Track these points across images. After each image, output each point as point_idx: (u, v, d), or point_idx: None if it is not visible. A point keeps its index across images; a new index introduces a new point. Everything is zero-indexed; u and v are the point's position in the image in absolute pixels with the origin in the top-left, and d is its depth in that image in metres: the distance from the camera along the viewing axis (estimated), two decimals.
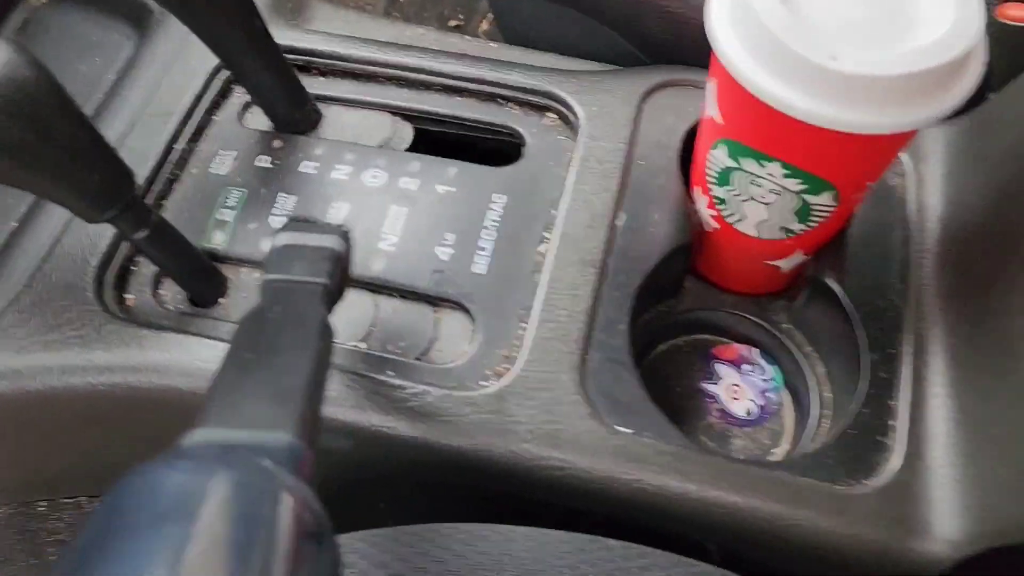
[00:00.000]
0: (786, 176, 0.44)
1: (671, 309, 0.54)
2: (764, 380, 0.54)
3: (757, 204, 0.47)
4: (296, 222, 0.41)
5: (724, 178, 0.47)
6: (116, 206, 0.41)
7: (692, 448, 0.43)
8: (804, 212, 0.46)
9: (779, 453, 0.51)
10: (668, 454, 0.43)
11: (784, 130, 0.41)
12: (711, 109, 0.46)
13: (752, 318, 0.54)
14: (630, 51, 0.60)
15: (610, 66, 0.60)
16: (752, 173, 0.45)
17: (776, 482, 0.42)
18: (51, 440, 0.50)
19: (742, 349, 0.55)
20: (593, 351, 0.45)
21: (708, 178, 0.48)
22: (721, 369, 0.54)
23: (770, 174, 0.44)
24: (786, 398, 0.53)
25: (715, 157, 0.47)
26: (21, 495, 0.58)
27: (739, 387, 0.54)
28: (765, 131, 0.42)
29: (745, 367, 0.54)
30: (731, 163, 0.45)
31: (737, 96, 0.42)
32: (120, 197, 0.41)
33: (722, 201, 0.48)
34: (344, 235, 0.40)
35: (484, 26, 1.16)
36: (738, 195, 0.47)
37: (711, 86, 0.45)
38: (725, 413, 0.53)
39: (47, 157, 0.37)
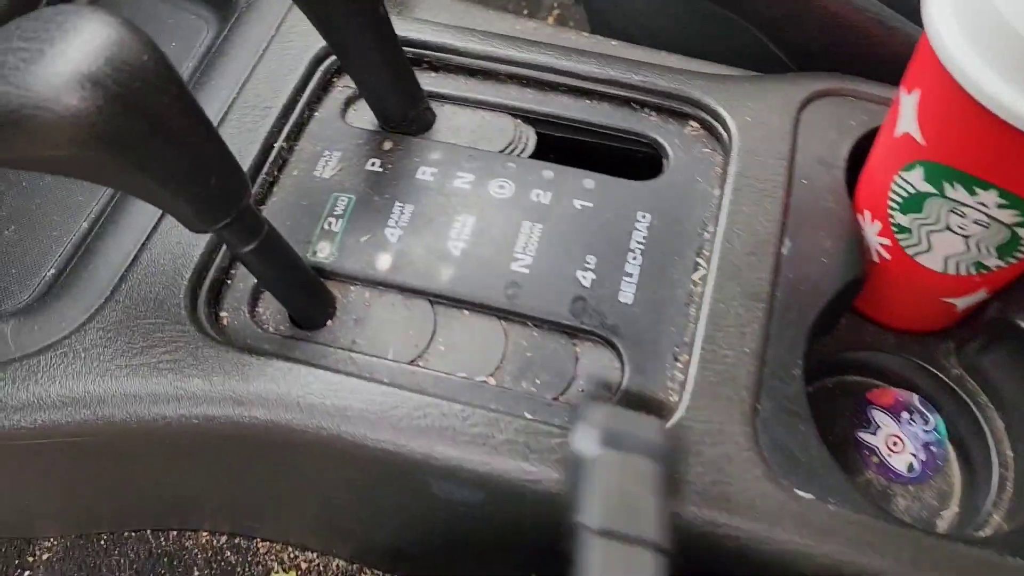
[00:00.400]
0: (1002, 206, 0.38)
1: (822, 347, 0.47)
2: (926, 431, 0.48)
3: (952, 235, 0.41)
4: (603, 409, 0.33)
5: (913, 205, 0.41)
6: (229, 215, 0.35)
7: (885, 518, 0.37)
8: (1009, 247, 0.40)
9: (948, 517, 0.45)
10: (859, 525, 0.37)
11: (1017, 152, 0.35)
12: (906, 125, 0.40)
13: (915, 360, 0.48)
14: (762, 52, 0.54)
15: (740, 70, 0.54)
16: (956, 201, 0.39)
17: (987, 565, 0.36)
18: (126, 471, 0.44)
19: (900, 394, 0.49)
20: (765, 399, 0.39)
21: (890, 204, 0.42)
22: (878, 416, 0.48)
23: (981, 203, 0.38)
24: (952, 452, 0.47)
25: (905, 181, 0.41)
26: (80, 527, 0.52)
27: (899, 438, 0.47)
28: (989, 153, 0.36)
29: (904, 415, 0.48)
30: (928, 188, 0.39)
31: (956, 110, 0.36)
32: (234, 204, 0.35)
33: (903, 230, 0.42)
34: (665, 429, 0.32)
35: (550, 21, 1.10)
36: (928, 224, 0.41)
37: (910, 99, 0.39)
38: (884, 467, 0.47)
39: (161, 156, 0.31)
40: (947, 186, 0.39)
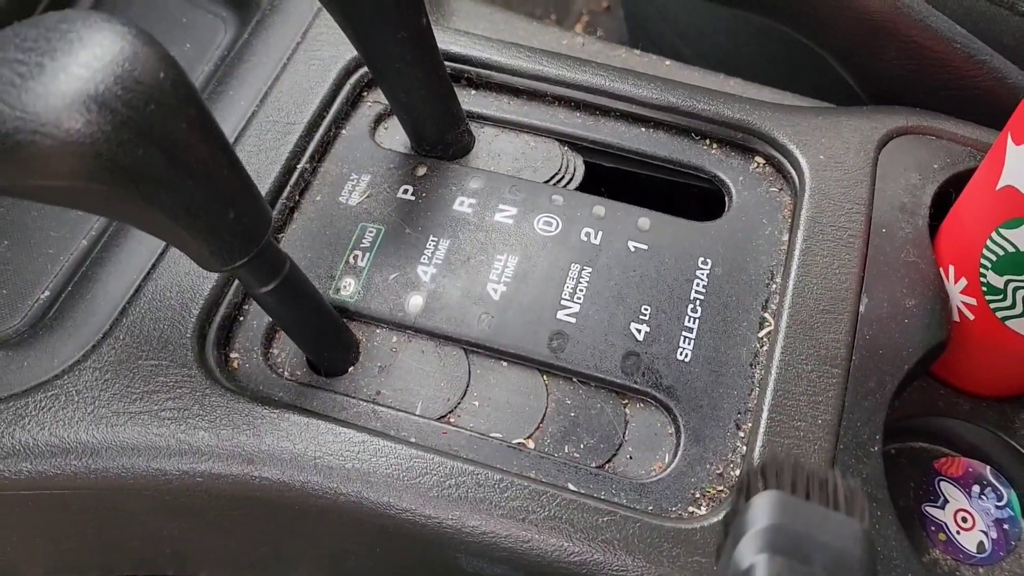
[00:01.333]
0: None
1: (890, 410, 0.43)
2: (999, 506, 0.43)
3: None
4: (777, 485, 0.23)
5: (1011, 266, 0.37)
6: (248, 253, 0.31)
7: None
8: None
9: None
10: None
11: None
12: (1011, 178, 0.35)
13: (989, 428, 0.43)
14: (829, 79, 0.49)
15: (807, 99, 0.50)
16: None
17: None
18: (119, 525, 0.40)
19: (971, 465, 0.44)
20: None
21: (983, 262, 0.38)
22: (947, 489, 0.44)
23: None
24: None
25: (1004, 238, 0.36)
26: (67, 573, 0.47)
27: (969, 514, 0.43)
28: None
29: (975, 488, 0.44)
30: None
31: None
32: (254, 241, 0.31)
33: (995, 291, 0.38)
34: (868, 538, 0.22)
35: (578, 28, 1.05)
36: None
37: (1019, 149, 0.34)
38: (952, 545, 0.42)
39: (177, 188, 0.27)
40: None
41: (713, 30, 0.60)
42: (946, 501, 0.43)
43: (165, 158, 0.27)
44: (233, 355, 0.38)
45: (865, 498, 0.24)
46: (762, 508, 0.22)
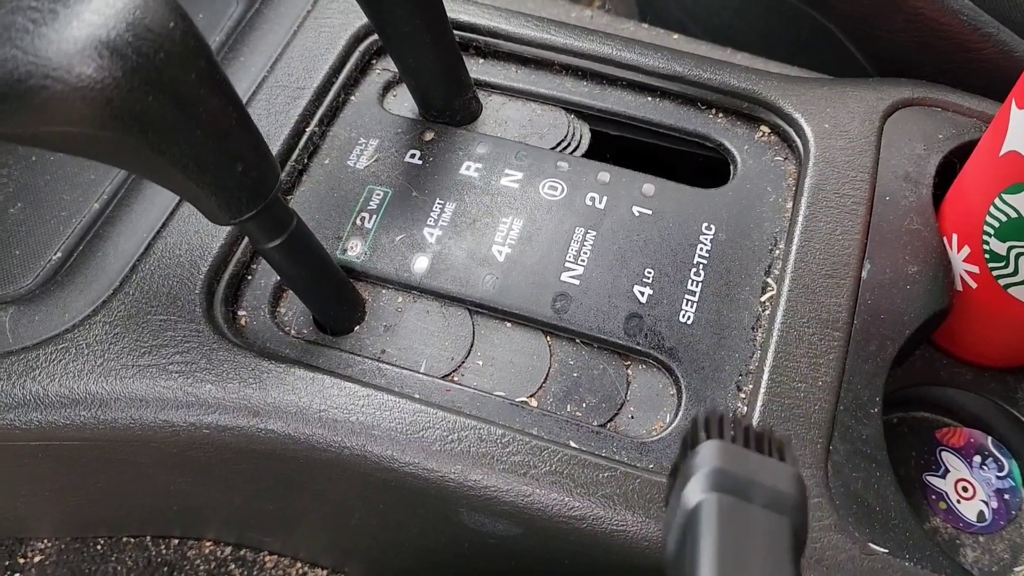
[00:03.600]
0: None
1: (892, 379, 0.43)
2: (999, 476, 0.43)
3: None
4: (719, 436, 0.25)
5: (1014, 231, 0.37)
6: (256, 206, 0.31)
7: None
8: None
9: (1022, 573, 0.41)
10: None
11: None
12: (1015, 143, 0.35)
13: (991, 398, 0.43)
14: (835, 54, 0.49)
15: (813, 73, 0.50)
16: None
17: None
18: (126, 477, 0.40)
19: (972, 435, 0.44)
20: (839, 440, 0.35)
21: (986, 228, 0.38)
22: (948, 459, 0.44)
23: None
24: None
25: (1007, 204, 0.36)
26: (75, 530, 0.48)
27: (969, 483, 0.43)
28: None
29: (976, 458, 0.44)
30: None
31: None
32: (262, 195, 0.31)
33: (998, 258, 0.38)
34: (801, 481, 0.24)
35: (595, 6, 1.05)
36: None
37: (1022, 114, 0.35)
38: (952, 514, 0.43)
39: (186, 138, 0.28)
40: None
41: (721, 7, 0.60)
42: (947, 471, 0.44)
43: (174, 107, 0.27)
44: (241, 313, 0.39)
45: (794, 448, 0.28)
46: (706, 454, 0.24)
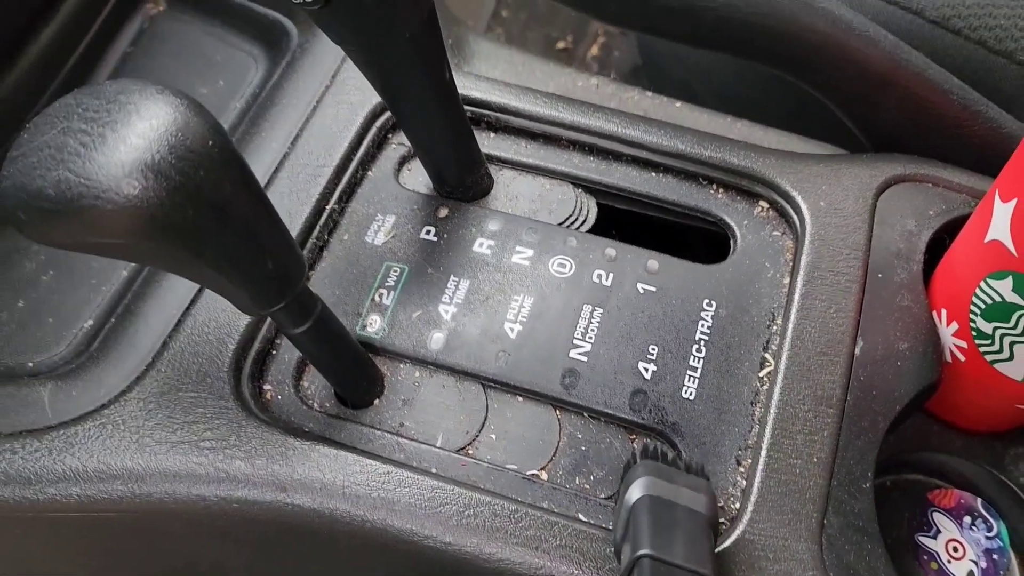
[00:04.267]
0: None
1: (886, 445, 0.45)
2: (988, 537, 0.45)
3: None
4: (651, 458, 0.36)
5: (998, 313, 0.39)
6: (285, 298, 0.34)
7: None
8: None
9: None
10: None
11: None
12: (998, 232, 0.37)
13: (982, 465, 0.46)
14: (835, 119, 0.51)
15: (812, 141, 0.52)
16: None
17: None
18: (159, 545, 0.43)
19: (963, 496, 0.46)
20: (833, 514, 0.37)
21: (972, 308, 0.40)
22: (939, 520, 0.46)
23: None
24: (1015, 562, 0.45)
25: (991, 288, 0.38)
26: None
27: (960, 543, 0.45)
28: None
29: (966, 519, 0.46)
30: (1017, 300, 0.37)
31: None
32: (290, 288, 0.34)
33: (984, 336, 0.40)
34: (710, 488, 0.35)
35: (594, 51, 1.08)
36: (1013, 335, 0.39)
37: (1005, 208, 0.37)
38: (943, 574, 0.45)
39: (221, 244, 0.30)
40: None
41: (722, 70, 0.62)
42: (938, 531, 0.46)
43: (212, 217, 0.29)
44: (267, 387, 0.41)
45: (707, 471, 0.37)
46: (642, 469, 0.34)
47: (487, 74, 0.52)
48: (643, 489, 0.33)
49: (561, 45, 1.08)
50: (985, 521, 0.46)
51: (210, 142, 0.29)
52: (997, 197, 0.38)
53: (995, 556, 0.45)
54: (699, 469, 0.35)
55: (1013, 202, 0.36)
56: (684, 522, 0.32)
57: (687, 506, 0.33)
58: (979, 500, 0.46)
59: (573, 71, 0.54)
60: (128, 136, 0.28)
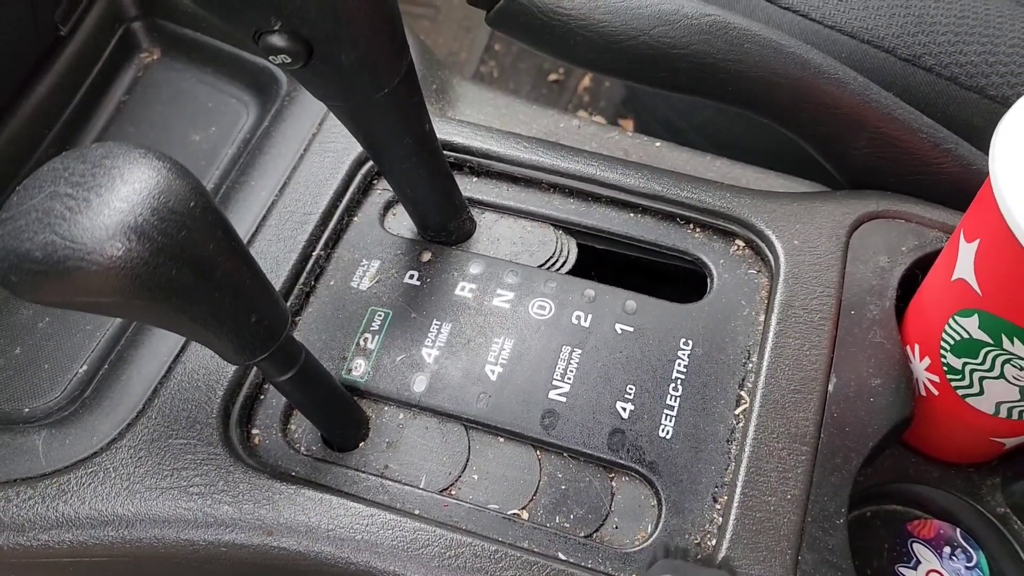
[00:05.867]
0: None
1: (864, 477, 0.46)
2: (968, 567, 0.46)
3: (1007, 384, 0.39)
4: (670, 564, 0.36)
5: (967, 350, 0.40)
6: (268, 349, 0.35)
7: None
8: None
9: None
10: None
11: None
12: (963, 272, 0.38)
13: (959, 496, 0.46)
14: (807, 153, 0.53)
15: (788, 178, 0.53)
16: (1015, 355, 0.38)
17: None
18: None
19: (942, 527, 0.47)
20: (807, 550, 0.38)
21: (942, 344, 0.41)
22: (919, 550, 0.47)
23: None
24: None
25: (959, 325, 0.39)
26: None
27: (940, 574, 0.46)
28: None
29: (946, 549, 0.47)
30: (984, 338, 0.38)
31: (1018, 269, 0.35)
32: (274, 339, 0.35)
33: (955, 371, 0.41)
34: None
35: (586, 82, 1.09)
36: (981, 370, 0.40)
37: (969, 248, 0.38)
38: None
39: (205, 300, 0.31)
40: (1005, 339, 0.37)
41: (704, 105, 0.63)
42: (918, 562, 0.46)
43: (195, 275, 0.30)
44: (255, 432, 0.42)
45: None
46: (661, 567, 0.35)
47: (471, 118, 0.53)
48: None
49: (553, 77, 1.10)
50: (964, 551, 0.46)
51: (192, 203, 0.30)
52: (962, 237, 0.39)
53: None
54: (723, 562, 0.36)
55: (976, 243, 0.37)
56: None
57: None
58: (958, 530, 0.47)
59: (556, 112, 0.56)
60: (112, 200, 0.29)
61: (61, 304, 0.30)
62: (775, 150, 0.59)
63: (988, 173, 0.35)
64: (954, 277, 0.39)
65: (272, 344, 0.35)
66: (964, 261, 0.38)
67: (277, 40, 0.34)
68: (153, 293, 0.30)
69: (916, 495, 0.47)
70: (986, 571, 0.46)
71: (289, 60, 0.35)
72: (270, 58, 0.35)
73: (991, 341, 0.38)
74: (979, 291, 0.37)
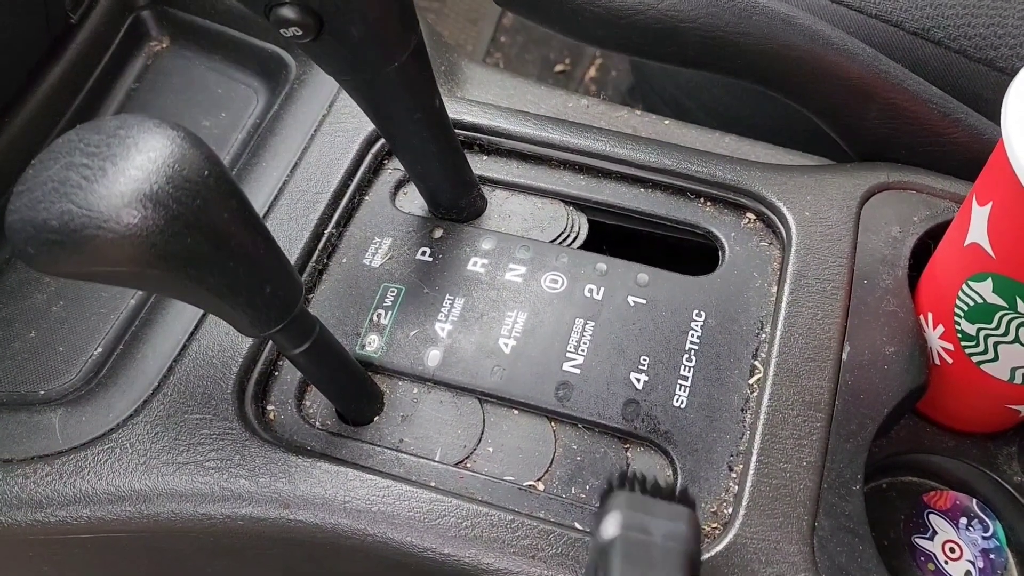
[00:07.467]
0: None
1: (878, 448, 0.46)
2: (985, 537, 0.46)
3: (1022, 349, 0.39)
4: (627, 488, 0.32)
5: (981, 315, 0.40)
6: (283, 321, 0.35)
7: None
8: None
9: None
10: None
11: None
12: (976, 236, 0.38)
13: (976, 465, 0.46)
14: (821, 130, 0.53)
15: (798, 154, 0.53)
16: None
17: None
18: (168, 565, 0.44)
19: (958, 498, 0.47)
20: (823, 517, 0.38)
21: (956, 311, 0.41)
22: (935, 521, 0.46)
23: None
24: (1012, 561, 0.46)
25: (972, 290, 0.39)
26: None
27: (956, 544, 0.46)
28: None
29: (962, 520, 0.46)
30: (998, 301, 0.38)
31: None
32: (288, 311, 0.35)
33: (969, 337, 0.41)
34: (693, 517, 0.31)
35: (592, 72, 1.09)
36: (996, 335, 0.40)
37: (982, 211, 0.38)
38: (941, 574, 0.45)
39: (221, 269, 0.31)
40: (1019, 301, 0.37)
41: (712, 84, 0.63)
42: (935, 533, 0.46)
43: (210, 244, 0.30)
44: (270, 407, 0.42)
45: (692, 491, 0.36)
46: (615, 502, 0.30)
47: (480, 98, 0.53)
48: (616, 527, 0.30)
49: (559, 68, 1.10)
50: (981, 521, 0.46)
51: (206, 172, 0.30)
52: (974, 201, 0.39)
53: (992, 556, 0.46)
54: (683, 494, 0.32)
55: (989, 205, 0.37)
56: (661, 563, 0.29)
57: (664, 544, 0.29)
58: (974, 500, 0.47)
59: (564, 93, 0.56)
60: (127, 168, 0.29)
61: (76, 275, 0.30)
62: (783, 128, 0.59)
63: (999, 139, 0.35)
64: (967, 242, 0.39)
65: (287, 316, 0.35)
66: (977, 225, 0.38)
67: (288, 12, 0.35)
68: (168, 262, 0.30)
69: (932, 466, 0.47)
70: (1003, 541, 0.46)
71: (300, 33, 0.35)
72: (281, 31, 0.35)
73: (1005, 304, 0.38)
74: (993, 254, 0.37)
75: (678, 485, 0.33)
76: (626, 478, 0.33)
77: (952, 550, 0.46)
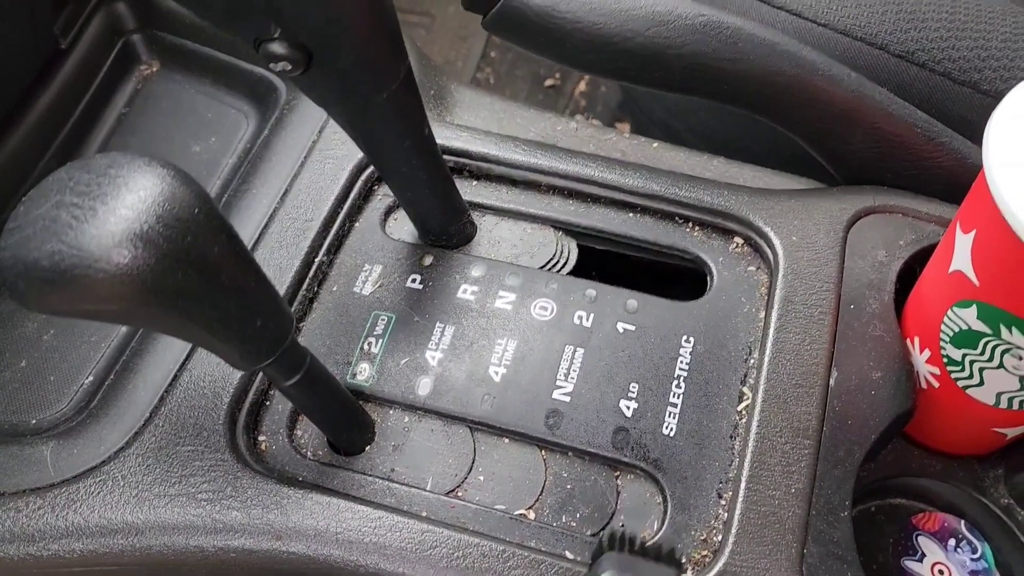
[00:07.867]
0: None
1: (866, 471, 0.46)
2: (973, 559, 0.46)
3: (1007, 374, 0.40)
4: (617, 549, 0.35)
5: (966, 341, 0.40)
6: (274, 354, 0.35)
7: None
8: None
9: None
10: None
11: None
12: (960, 264, 0.39)
13: (963, 488, 0.46)
14: (807, 152, 0.53)
15: (785, 175, 0.54)
16: (1014, 345, 0.38)
17: None
18: None
19: (946, 520, 0.47)
20: (812, 544, 0.38)
21: (942, 336, 0.41)
22: (924, 543, 0.47)
23: None
24: None
25: (957, 317, 0.40)
26: None
27: (945, 566, 0.46)
28: None
29: (951, 542, 0.47)
30: (983, 328, 0.39)
31: (1013, 258, 0.35)
32: (279, 343, 0.35)
33: (954, 362, 0.42)
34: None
35: (582, 87, 1.10)
36: (981, 361, 0.40)
37: (966, 239, 0.38)
38: None
39: (210, 304, 0.31)
40: (1003, 329, 0.38)
41: (699, 107, 0.64)
42: (924, 555, 0.47)
43: (200, 280, 0.31)
44: (261, 438, 0.42)
45: (682, 552, 0.38)
46: (605, 564, 0.33)
47: (469, 122, 0.54)
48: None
49: (550, 83, 1.10)
50: (970, 543, 0.47)
51: (196, 209, 0.31)
52: (958, 228, 0.39)
53: None
54: (668, 555, 0.34)
55: (972, 233, 0.38)
56: None
57: None
58: (963, 523, 0.47)
59: (553, 116, 0.56)
60: (117, 208, 0.29)
61: (69, 313, 0.30)
62: (770, 150, 0.60)
63: (982, 165, 0.35)
64: (951, 269, 0.39)
65: (277, 348, 0.35)
66: (961, 252, 0.39)
67: (277, 48, 0.35)
68: (159, 299, 0.30)
69: (920, 488, 0.47)
70: (991, 563, 0.46)
71: (289, 67, 0.36)
72: (270, 65, 0.35)
73: (990, 331, 0.38)
74: (976, 281, 0.38)
75: (663, 547, 0.35)
76: (615, 539, 0.35)
77: (941, 572, 0.46)
